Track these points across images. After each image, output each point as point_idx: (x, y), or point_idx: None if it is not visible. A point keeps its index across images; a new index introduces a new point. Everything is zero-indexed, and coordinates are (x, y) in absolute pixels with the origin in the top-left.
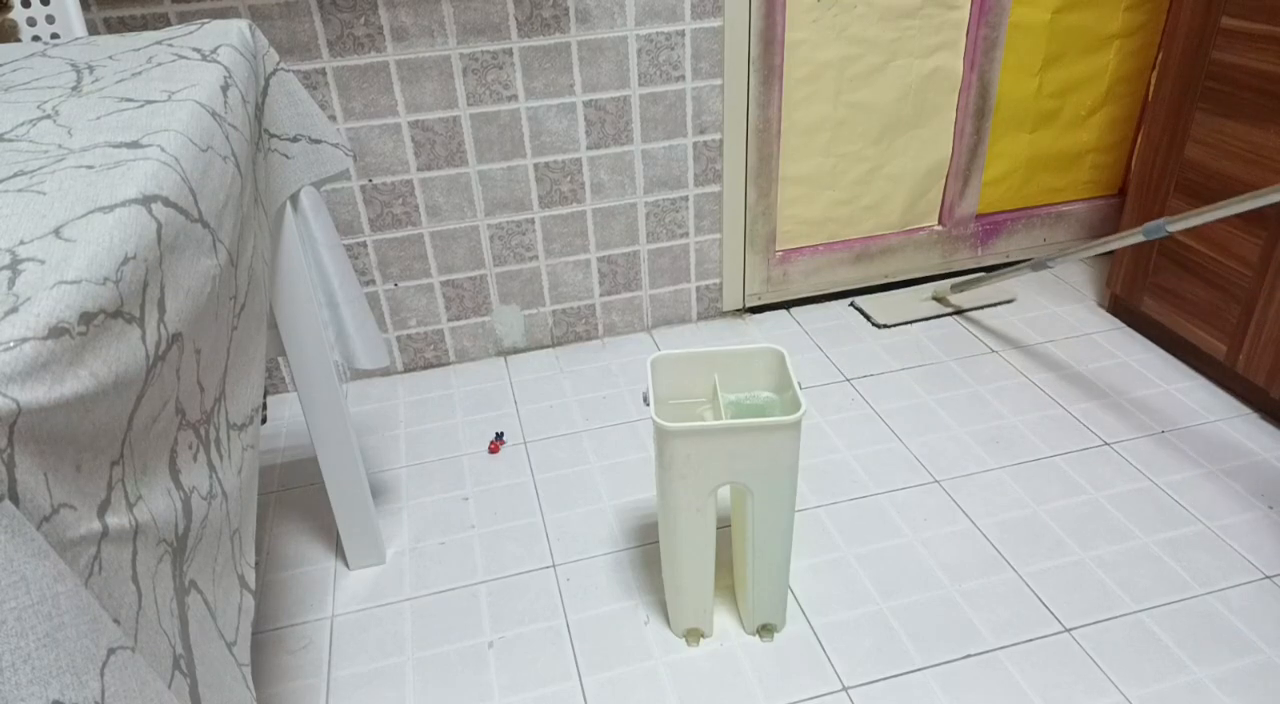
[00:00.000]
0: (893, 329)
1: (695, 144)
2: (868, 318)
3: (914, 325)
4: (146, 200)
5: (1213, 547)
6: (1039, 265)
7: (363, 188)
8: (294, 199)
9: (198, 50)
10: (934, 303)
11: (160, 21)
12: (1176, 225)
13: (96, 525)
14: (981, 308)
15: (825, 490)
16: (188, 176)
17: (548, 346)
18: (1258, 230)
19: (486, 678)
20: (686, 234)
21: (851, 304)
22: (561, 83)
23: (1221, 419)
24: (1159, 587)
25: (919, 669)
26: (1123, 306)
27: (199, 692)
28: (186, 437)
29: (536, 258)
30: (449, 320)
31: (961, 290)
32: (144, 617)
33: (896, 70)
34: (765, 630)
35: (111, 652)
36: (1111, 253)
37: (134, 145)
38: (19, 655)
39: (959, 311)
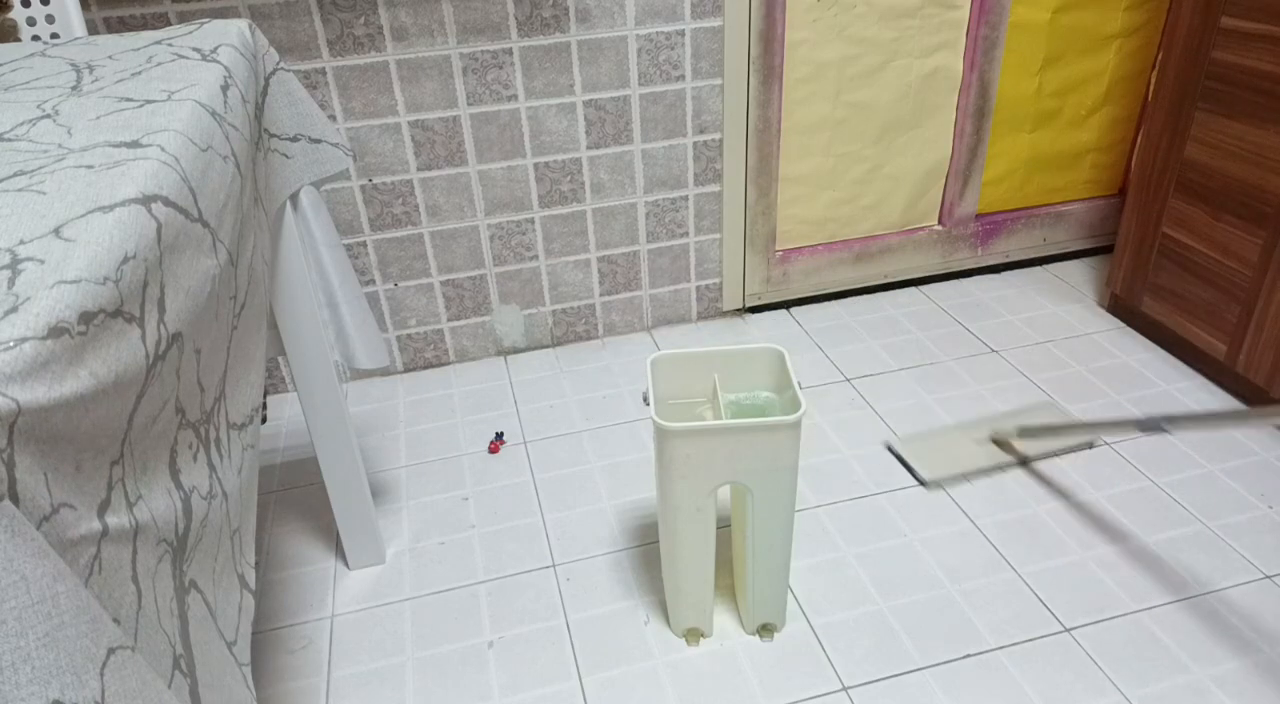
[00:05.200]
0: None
1: (695, 144)
2: (911, 471)
3: (965, 477)
4: (146, 200)
5: (1213, 547)
6: (1143, 426)
7: (363, 188)
8: (294, 199)
9: (197, 50)
10: (993, 447)
11: (160, 21)
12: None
13: (96, 525)
14: (1056, 456)
15: (825, 490)
16: (188, 176)
17: (548, 346)
18: (1257, 230)
19: (486, 678)
20: (686, 234)
21: (889, 449)
22: (561, 82)
23: None
24: (1159, 587)
25: (919, 669)
26: (1123, 306)
27: (199, 691)
28: (186, 436)
29: (536, 258)
30: (449, 320)
31: (1032, 436)
32: (144, 616)
33: (896, 70)
34: (765, 630)
35: (111, 651)
36: (1112, 250)
37: (134, 145)
38: (19, 655)
39: (1025, 461)
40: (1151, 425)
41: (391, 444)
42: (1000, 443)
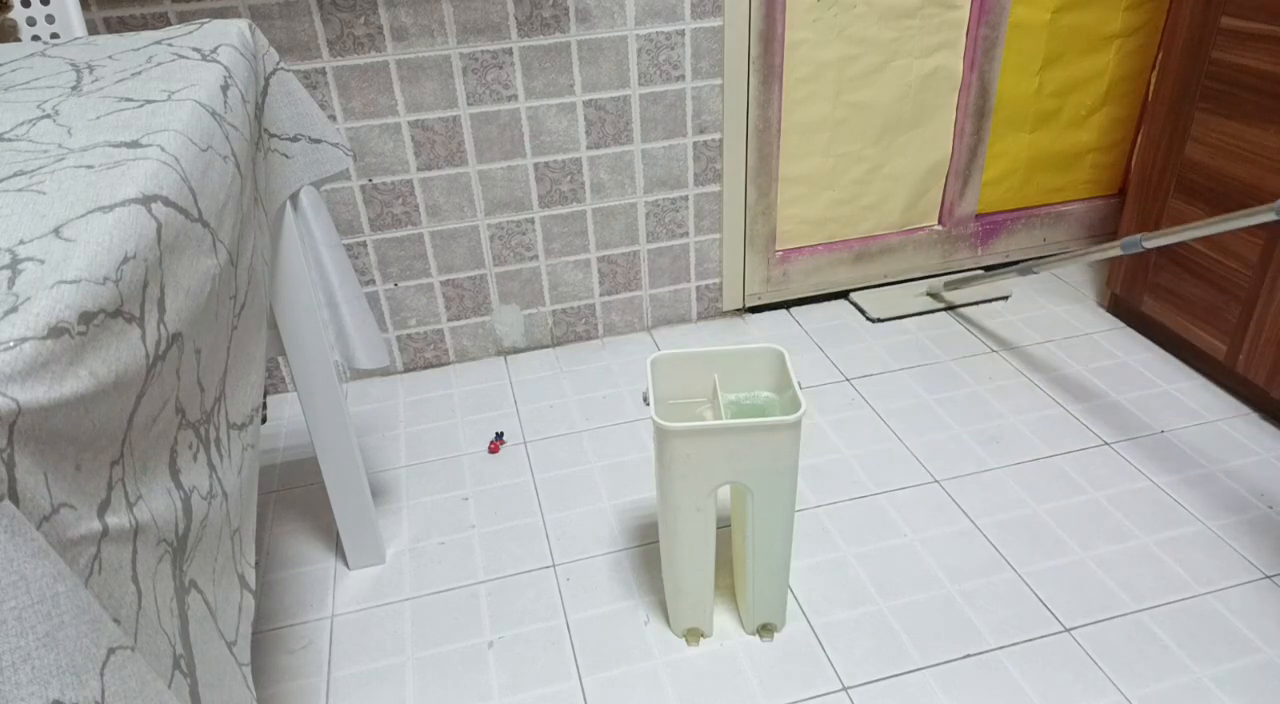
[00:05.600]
0: (887, 323)
1: (695, 144)
2: (862, 312)
3: (908, 320)
4: (146, 200)
5: (1213, 547)
6: (1026, 270)
7: (363, 187)
8: (294, 199)
9: (197, 50)
10: (928, 299)
11: (160, 21)
12: (1153, 241)
13: (96, 525)
14: (975, 304)
15: (825, 490)
16: (188, 176)
17: (548, 346)
18: (1257, 230)
19: (486, 678)
20: (686, 234)
21: (848, 298)
22: (561, 82)
23: (1221, 419)
24: (1159, 587)
25: (919, 669)
26: (1123, 306)
27: (199, 691)
28: (186, 436)
29: (536, 257)
30: (449, 320)
31: (955, 288)
32: (144, 616)
33: (896, 70)
34: (765, 630)
35: (111, 651)
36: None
37: (134, 145)
38: (19, 655)
39: (951, 307)
40: (1025, 270)
41: (391, 444)
42: (933, 295)
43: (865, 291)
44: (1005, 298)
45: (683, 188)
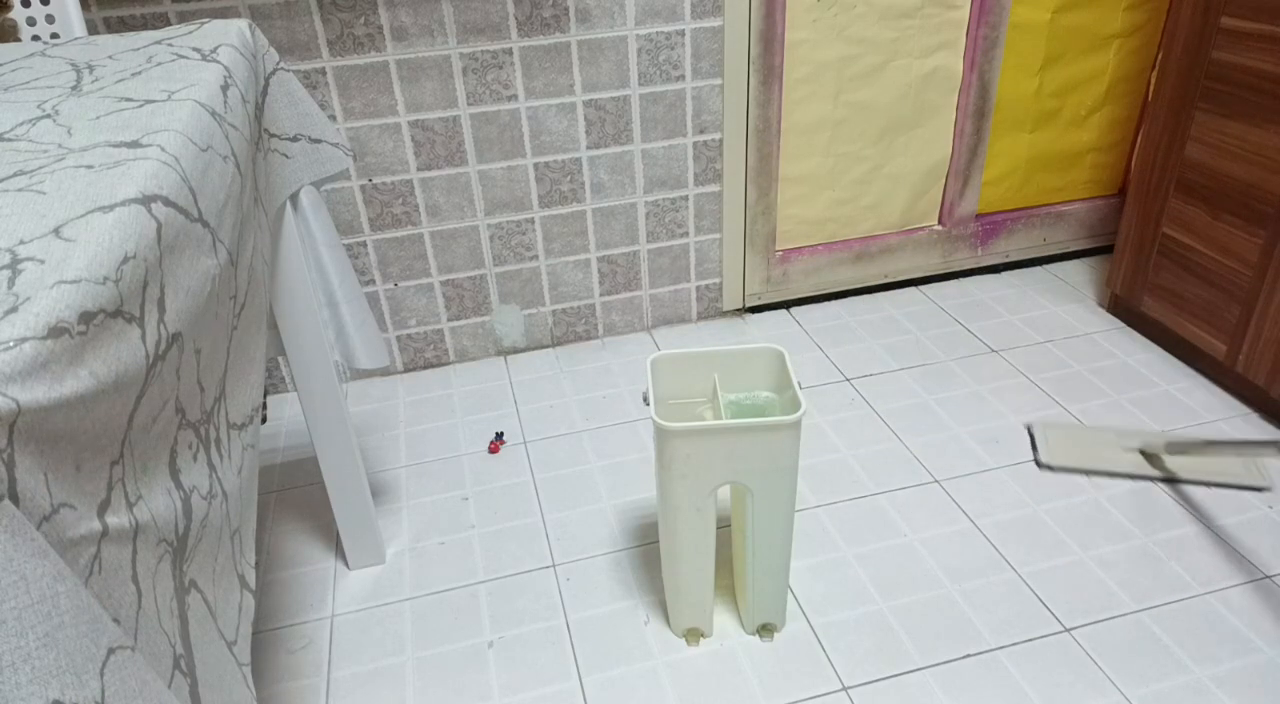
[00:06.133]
0: (1055, 473)
1: (695, 144)
2: (1033, 446)
3: (1089, 478)
4: (146, 200)
5: (1213, 547)
6: None
7: (363, 187)
8: (294, 199)
9: (197, 50)
10: (1138, 457)
11: (160, 21)
12: None
13: (96, 525)
14: (1214, 486)
15: (825, 490)
16: (188, 176)
17: (548, 346)
18: (1257, 230)
19: (486, 678)
20: (686, 234)
21: (1027, 427)
22: (561, 82)
23: (1221, 419)
24: (1159, 587)
25: (919, 669)
26: (1123, 306)
27: (199, 691)
28: (186, 436)
29: (536, 257)
30: (449, 320)
31: (1183, 453)
32: (144, 616)
33: (896, 70)
34: (765, 630)
35: (111, 651)
36: (1112, 250)
37: (134, 145)
38: (19, 655)
39: (1170, 480)
40: None
41: (391, 444)
42: (1149, 455)
43: (1051, 422)
44: (1264, 489)
45: (683, 188)
